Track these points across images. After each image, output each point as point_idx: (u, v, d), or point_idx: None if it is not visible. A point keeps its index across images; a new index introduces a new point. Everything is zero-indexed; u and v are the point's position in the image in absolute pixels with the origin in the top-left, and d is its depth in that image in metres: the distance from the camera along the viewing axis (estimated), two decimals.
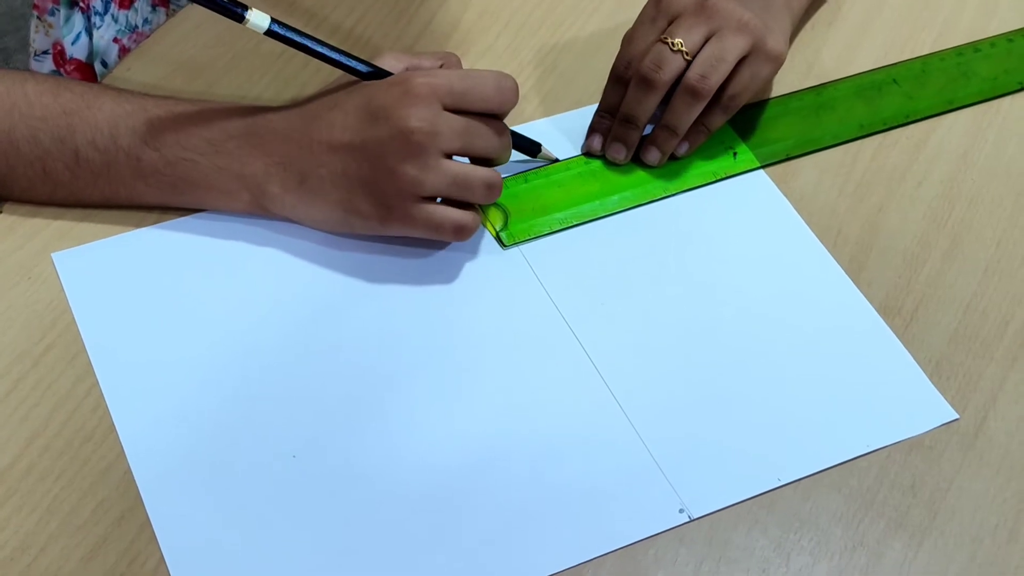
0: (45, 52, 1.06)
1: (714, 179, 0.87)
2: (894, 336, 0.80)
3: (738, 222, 0.85)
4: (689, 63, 0.83)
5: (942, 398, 0.77)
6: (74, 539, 0.68)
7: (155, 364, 0.75)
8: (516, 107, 0.88)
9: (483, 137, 0.78)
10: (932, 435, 0.76)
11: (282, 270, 0.80)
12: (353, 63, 0.78)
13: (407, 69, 0.79)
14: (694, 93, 0.83)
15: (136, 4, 0.93)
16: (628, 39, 0.86)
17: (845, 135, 0.90)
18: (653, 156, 0.86)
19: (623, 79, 0.86)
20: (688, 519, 0.72)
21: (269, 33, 0.76)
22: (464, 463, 0.73)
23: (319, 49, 0.78)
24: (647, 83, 0.83)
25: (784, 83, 0.92)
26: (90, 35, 0.94)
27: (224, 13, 0.74)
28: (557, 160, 0.86)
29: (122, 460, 0.71)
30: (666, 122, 0.85)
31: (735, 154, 0.88)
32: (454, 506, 0.71)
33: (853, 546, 0.71)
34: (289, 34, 0.77)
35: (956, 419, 0.76)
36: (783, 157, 0.89)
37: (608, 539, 0.71)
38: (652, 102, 0.84)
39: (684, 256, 0.83)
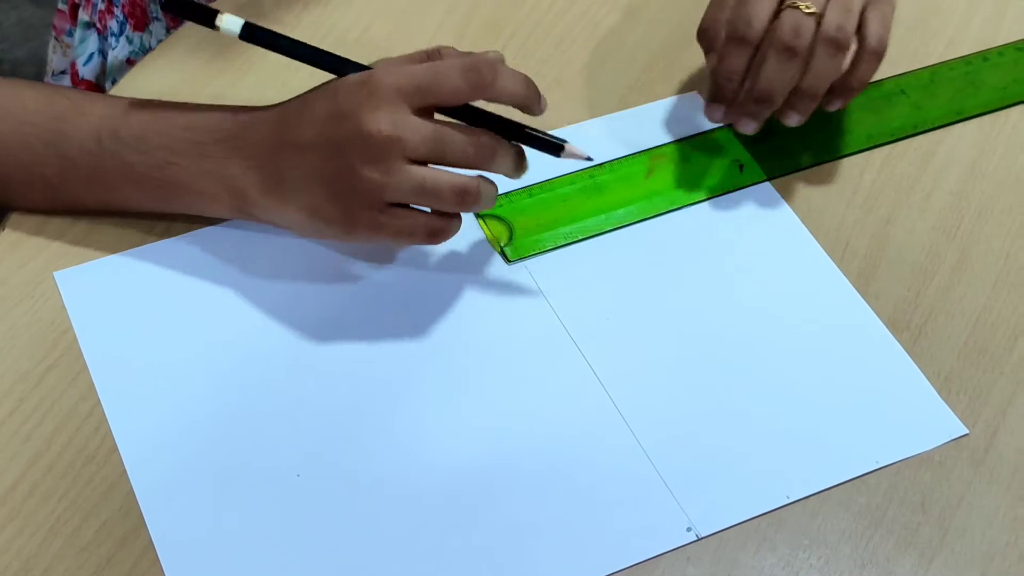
0: (63, 72, 1.06)
1: (721, 192, 0.86)
2: (903, 350, 0.79)
3: (745, 235, 0.85)
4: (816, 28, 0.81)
5: (952, 413, 0.76)
6: (77, 561, 0.68)
7: (157, 383, 0.75)
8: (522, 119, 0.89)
9: (454, 144, 0.73)
10: (942, 451, 0.75)
11: (284, 287, 0.79)
12: (329, 60, 0.76)
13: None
14: (836, 45, 0.80)
15: (150, 26, 0.93)
16: (747, 2, 0.82)
17: (853, 146, 0.89)
18: (792, 120, 0.84)
19: (745, 39, 0.81)
20: (696, 538, 0.71)
21: (244, 36, 0.75)
22: (468, 479, 0.72)
23: (297, 49, 0.76)
24: (790, 51, 0.80)
25: None
26: (104, 56, 0.94)
27: (196, 20, 0.74)
28: (590, 159, 0.79)
29: (125, 480, 0.71)
30: (807, 85, 0.82)
31: (741, 167, 0.88)
32: (457, 523, 0.71)
33: (863, 564, 0.71)
34: (264, 36, 0.75)
35: (966, 434, 0.76)
36: (791, 170, 0.88)
37: (615, 558, 0.70)
38: (793, 72, 0.81)
39: (690, 270, 0.83)
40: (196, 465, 0.72)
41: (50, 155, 0.78)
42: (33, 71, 1.90)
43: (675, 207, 0.85)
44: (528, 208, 0.84)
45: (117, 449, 0.72)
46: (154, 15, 0.93)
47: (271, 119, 0.77)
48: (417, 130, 0.72)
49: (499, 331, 0.79)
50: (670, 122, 0.90)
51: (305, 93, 0.77)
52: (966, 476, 0.74)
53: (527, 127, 0.77)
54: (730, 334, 0.79)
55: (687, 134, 0.89)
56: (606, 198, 0.85)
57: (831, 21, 0.81)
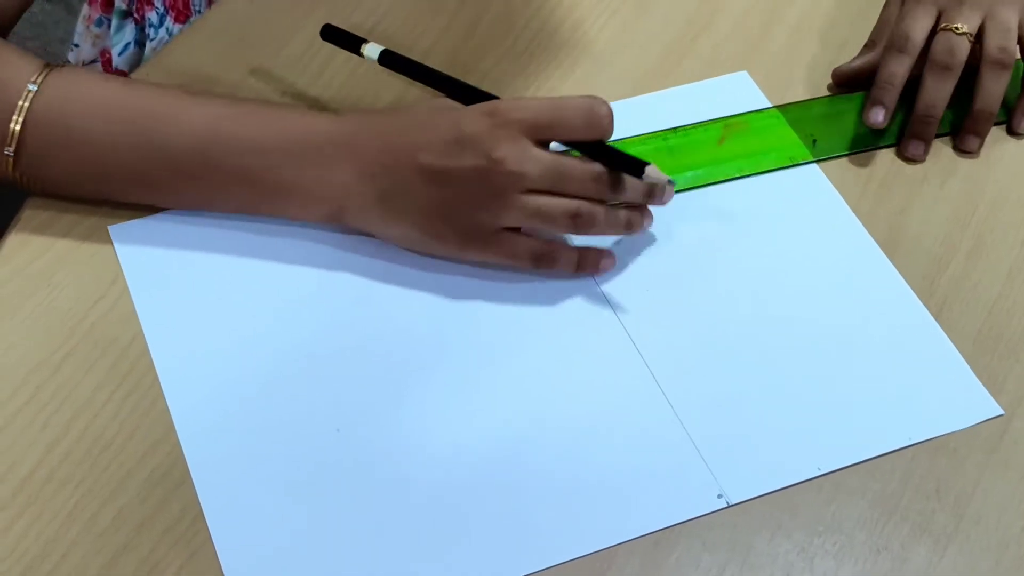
0: (93, 61, 1.06)
1: (790, 164, 0.87)
2: (942, 331, 0.79)
3: (788, 212, 0.85)
4: (971, 46, 0.87)
5: (987, 393, 0.77)
6: (94, 547, 0.68)
7: (207, 349, 0.76)
8: None
9: (573, 180, 0.76)
10: (956, 438, 0.75)
11: (329, 256, 0.80)
12: (457, 88, 0.81)
13: None
14: (1002, 65, 0.87)
15: (192, 19, 0.93)
16: (900, 19, 0.89)
17: (889, 139, 0.90)
18: (973, 144, 0.89)
19: (903, 50, 0.88)
20: (726, 504, 0.71)
21: (381, 62, 0.83)
22: (504, 445, 0.73)
23: (428, 75, 0.82)
24: (945, 69, 0.87)
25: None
26: (142, 47, 0.94)
27: (346, 47, 0.85)
28: (672, 182, 0.79)
29: (142, 466, 0.71)
30: (981, 107, 0.88)
31: (815, 141, 0.88)
32: (495, 487, 0.72)
33: (877, 550, 0.71)
34: (399, 62, 0.83)
35: (1001, 415, 0.76)
36: (862, 147, 0.89)
37: (647, 521, 0.71)
38: (950, 89, 0.87)
39: (733, 242, 0.83)
40: (246, 440, 0.73)
41: (136, 155, 0.77)
42: None
43: (743, 175, 0.86)
44: None
45: (133, 436, 0.72)
46: (196, 8, 0.93)
47: (383, 130, 0.78)
48: (538, 163, 0.75)
49: (540, 298, 0.79)
50: (741, 96, 0.91)
51: (416, 109, 0.79)
52: (981, 463, 0.74)
53: (609, 146, 0.78)
54: (771, 306, 0.80)
55: (763, 107, 0.90)
56: (677, 160, 0.86)
57: (992, 44, 0.87)
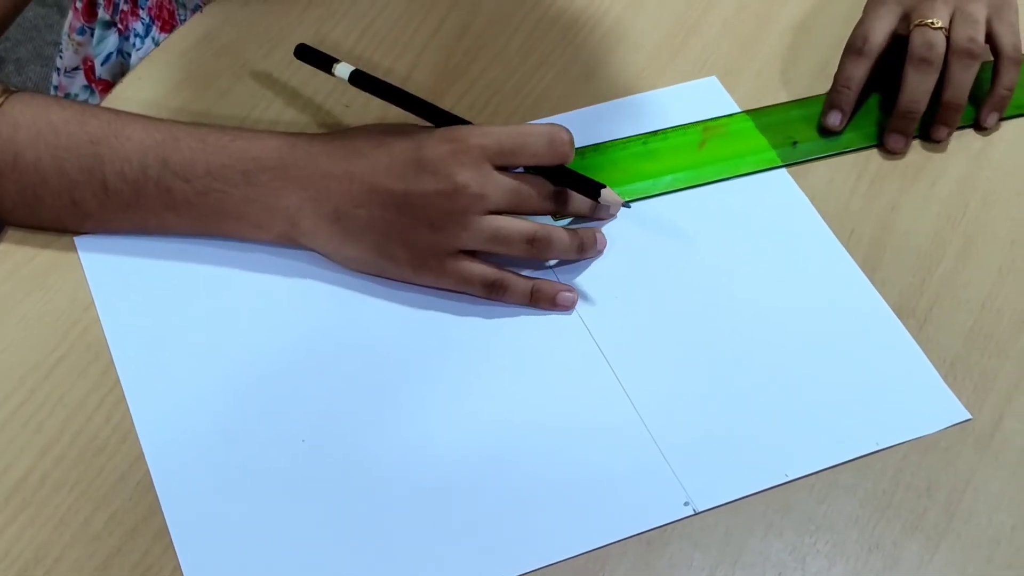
0: (75, 68, 1.06)
1: (770, 166, 0.87)
2: (908, 335, 0.79)
3: (756, 217, 0.85)
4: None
5: (955, 398, 0.77)
6: (88, 549, 0.69)
7: (174, 360, 0.76)
8: (534, 105, 0.89)
9: (532, 200, 0.78)
10: (947, 436, 0.75)
11: (299, 265, 0.80)
12: (428, 110, 0.81)
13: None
14: (970, 54, 0.87)
15: (177, 28, 0.94)
16: (861, 20, 0.91)
17: (869, 140, 0.90)
18: (943, 134, 0.89)
19: (861, 52, 0.89)
20: (693, 512, 0.72)
21: (352, 81, 0.83)
22: (470, 453, 0.73)
23: (398, 96, 0.82)
24: (926, 63, 0.87)
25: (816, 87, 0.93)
26: (126, 56, 0.94)
27: (318, 66, 0.85)
28: (627, 205, 0.81)
29: (135, 470, 0.71)
30: (950, 97, 0.88)
31: (795, 143, 0.88)
32: (460, 495, 0.72)
33: (869, 548, 0.71)
34: (369, 82, 0.83)
35: (969, 419, 0.76)
36: (842, 149, 0.89)
37: (612, 530, 0.71)
38: (932, 83, 0.88)
39: (701, 249, 0.83)
40: (212, 447, 0.72)
41: (86, 181, 0.76)
42: (38, 69, 1.91)
43: (722, 178, 0.86)
44: (577, 168, 0.82)
45: (127, 439, 0.72)
46: (182, 18, 0.93)
47: (338, 151, 0.78)
48: (499, 187, 0.76)
49: (506, 306, 0.79)
50: (711, 101, 0.91)
51: (375, 130, 0.79)
52: (972, 461, 0.74)
53: (570, 169, 0.79)
54: (738, 313, 0.80)
55: (735, 111, 0.90)
56: (656, 165, 0.86)
57: (961, 34, 0.87)
